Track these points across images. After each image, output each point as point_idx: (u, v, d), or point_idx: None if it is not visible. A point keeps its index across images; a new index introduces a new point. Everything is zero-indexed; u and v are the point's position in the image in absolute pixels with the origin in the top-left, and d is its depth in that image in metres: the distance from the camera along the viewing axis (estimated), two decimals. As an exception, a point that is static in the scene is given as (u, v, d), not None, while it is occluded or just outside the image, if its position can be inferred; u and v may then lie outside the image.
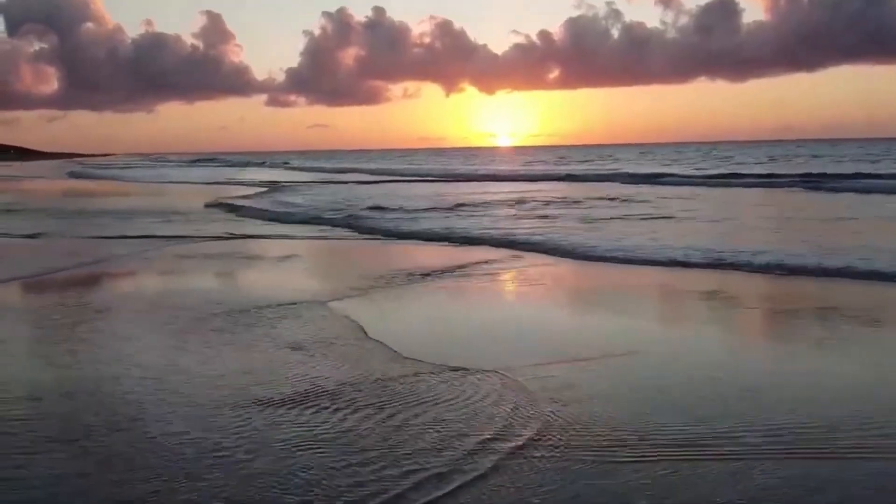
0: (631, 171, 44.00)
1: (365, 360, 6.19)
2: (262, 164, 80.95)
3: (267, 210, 21.08)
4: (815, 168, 39.45)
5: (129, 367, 6.08)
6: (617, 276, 10.71)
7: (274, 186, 35.24)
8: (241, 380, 5.69)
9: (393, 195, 27.52)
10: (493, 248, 12.96)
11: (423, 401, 5.16)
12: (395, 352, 6.41)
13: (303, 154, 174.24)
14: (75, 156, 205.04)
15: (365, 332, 7.07)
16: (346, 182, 41.90)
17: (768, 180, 31.90)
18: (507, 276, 10.79)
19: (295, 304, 8.51)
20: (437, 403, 5.10)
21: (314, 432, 4.61)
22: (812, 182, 29.35)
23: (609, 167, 50.92)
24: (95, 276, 11.21)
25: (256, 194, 29.55)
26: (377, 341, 6.77)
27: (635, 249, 11.94)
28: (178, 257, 12.65)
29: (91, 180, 52.76)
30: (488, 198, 25.23)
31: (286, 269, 11.92)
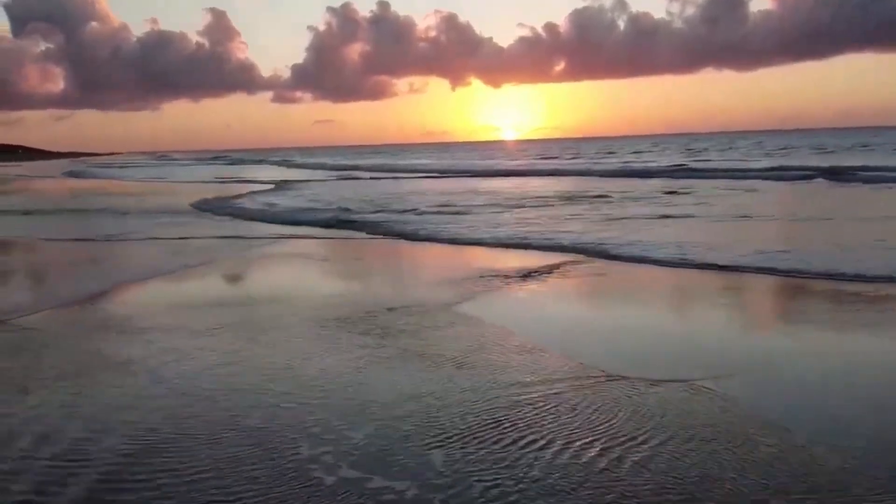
0: (664, 163, 43.35)
1: (564, 375, 5.70)
2: (278, 163, 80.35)
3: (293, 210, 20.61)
4: (850, 160, 38.61)
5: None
6: (724, 284, 9.93)
7: (283, 185, 34.58)
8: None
9: (425, 193, 26.93)
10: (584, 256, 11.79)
11: (688, 426, 4.65)
12: (582, 363, 5.96)
13: (308, 150, 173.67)
14: (82, 155, 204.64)
15: (526, 339, 6.64)
16: (372, 178, 41.42)
17: (820, 173, 30.57)
18: (603, 280, 10.25)
19: (423, 305, 8.19)
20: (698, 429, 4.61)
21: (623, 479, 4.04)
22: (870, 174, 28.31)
23: (646, 160, 50.12)
24: (228, 275, 11.07)
25: (281, 193, 29.06)
26: (542, 350, 6.30)
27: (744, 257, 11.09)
28: (272, 258, 12.55)
29: (95, 180, 51.92)
30: (549, 196, 24.62)
31: (375, 271, 11.59)
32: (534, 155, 74.04)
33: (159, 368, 6.00)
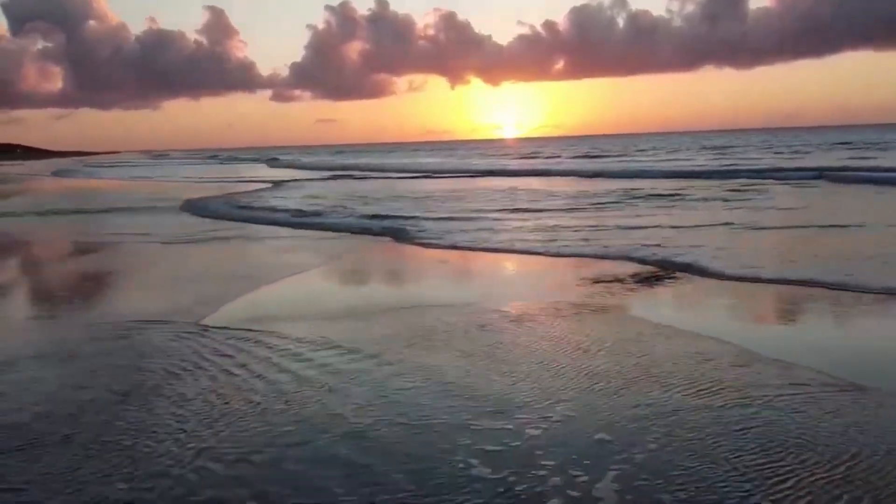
0: (698, 162, 41.46)
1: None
2: (281, 162, 78.38)
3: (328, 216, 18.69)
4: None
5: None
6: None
7: (276, 184, 32.77)
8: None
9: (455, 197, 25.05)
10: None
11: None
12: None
13: (311, 149, 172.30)
14: (82, 154, 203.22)
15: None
16: (393, 177, 39.52)
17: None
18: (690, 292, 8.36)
19: (590, 307, 7.49)
20: None
21: None
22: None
23: (679, 161, 48.21)
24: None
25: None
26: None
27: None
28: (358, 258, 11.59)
29: (82, 179, 50.16)
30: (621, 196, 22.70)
31: (462, 274, 10.10)
32: (548, 154, 72.04)
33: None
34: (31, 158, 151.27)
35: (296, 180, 37.61)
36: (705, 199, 19.50)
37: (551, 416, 4.69)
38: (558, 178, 33.60)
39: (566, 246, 11.74)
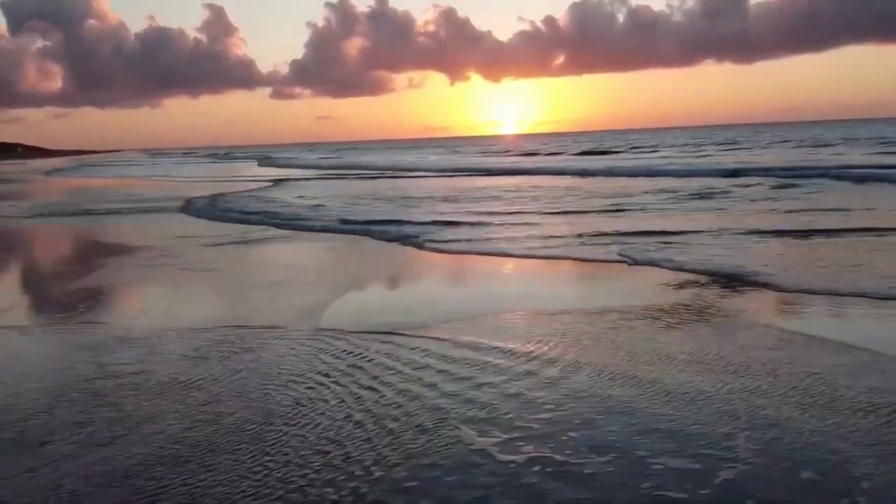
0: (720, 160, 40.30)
1: None
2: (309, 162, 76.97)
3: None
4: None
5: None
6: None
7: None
8: None
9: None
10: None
11: None
12: None
13: (311, 146, 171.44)
14: (82, 153, 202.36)
15: None
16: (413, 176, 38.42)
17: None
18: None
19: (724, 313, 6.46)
20: None
21: None
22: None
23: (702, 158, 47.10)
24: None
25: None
26: None
27: None
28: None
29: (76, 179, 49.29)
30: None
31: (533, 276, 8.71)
32: (551, 150, 70.79)
33: None
34: (31, 157, 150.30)
35: (292, 179, 36.55)
36: (753, 200, 18.33)
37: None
38: (583, 177, 32.38)
39: (643, 253, 10.51)
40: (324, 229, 15.04)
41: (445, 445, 4.25)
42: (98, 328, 7.31)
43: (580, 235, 12.47)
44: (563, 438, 4.30)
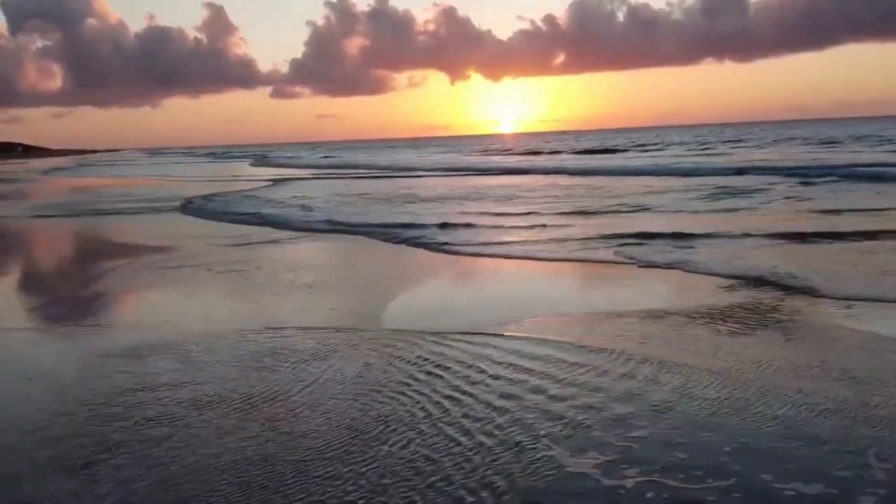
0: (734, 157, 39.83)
1: None
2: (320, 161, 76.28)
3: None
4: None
5: None
6: None
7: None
8: None
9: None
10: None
11: None
12: None
13: (313, 144, 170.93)
14: (83, 152, 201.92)
15: None
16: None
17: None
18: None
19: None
20: None
21: None
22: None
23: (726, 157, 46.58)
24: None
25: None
26: None
27: None
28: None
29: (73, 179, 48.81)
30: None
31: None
32: (554, 148, 70.25)
33: None
34: (31, 157, 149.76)
35: (291, 178, 36.01)
36: (787, 198, 17.84)
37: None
38: (598, 176, 31.91)
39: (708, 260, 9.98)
40: (335, 230, 14.60)
41: (546, 467, 3.84)
42: (125, 333, 6.88)
43: (618, 236, 12.00)
44: (671, 460, 3.89)
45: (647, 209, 16.27)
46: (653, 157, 44.02)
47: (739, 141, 63.34)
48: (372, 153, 79.77)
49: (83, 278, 10.57)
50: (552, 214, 15.74)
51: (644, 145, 63.80)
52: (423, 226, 14.06)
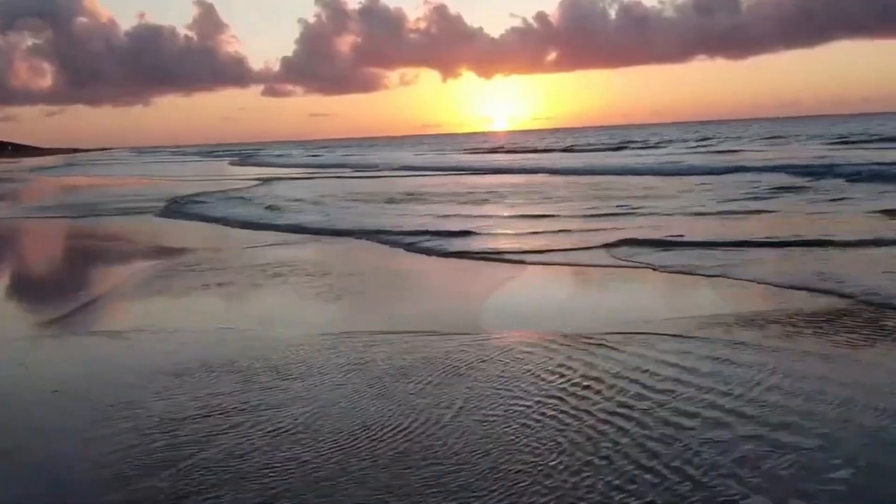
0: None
1: None
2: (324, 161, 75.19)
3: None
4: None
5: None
6: None
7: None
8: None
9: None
10: None
11: None
12: None
13: (307, 143, 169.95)
14: (74, 151, 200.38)
15: None
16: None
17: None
18: None
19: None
20: None
21: None
22: None
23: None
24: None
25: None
26: None
27: None
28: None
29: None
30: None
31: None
32: (556, 146, 69.46)
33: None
34: (21, 156, 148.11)
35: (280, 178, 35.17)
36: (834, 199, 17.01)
37: None
38: (621, 176, 31.12)
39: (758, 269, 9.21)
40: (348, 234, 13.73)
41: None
42: (166, 339, 6.03)
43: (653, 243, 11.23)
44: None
45: (695, 211, 15.43)
46: (652, 156, 43.13)
47: (739, 138, 62.69)
48: (378, 151, 78.83)
49: (99, 285, 9.72)
50: (569, 217, 15.00)
51: (636, 142, 63.03)
52: (438, 234, 12.53)
